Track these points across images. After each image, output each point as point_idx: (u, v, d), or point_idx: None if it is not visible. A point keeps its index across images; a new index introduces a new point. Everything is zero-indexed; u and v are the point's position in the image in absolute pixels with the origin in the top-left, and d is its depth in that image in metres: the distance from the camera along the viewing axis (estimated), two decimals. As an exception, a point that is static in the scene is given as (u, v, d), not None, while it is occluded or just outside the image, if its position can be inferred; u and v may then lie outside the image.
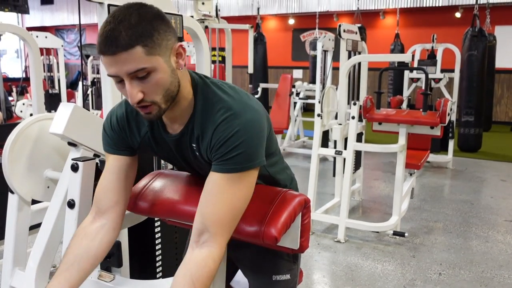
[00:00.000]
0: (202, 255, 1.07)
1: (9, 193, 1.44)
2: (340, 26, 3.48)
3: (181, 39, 2.01)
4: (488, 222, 3.79)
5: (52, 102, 6.50)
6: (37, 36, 6.05)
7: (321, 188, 4.73)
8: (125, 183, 1.23)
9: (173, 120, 1.15)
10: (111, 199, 1.20)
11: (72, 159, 1.28)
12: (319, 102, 3.44)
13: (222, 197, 1.08)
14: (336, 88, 3.94)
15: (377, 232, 3.42)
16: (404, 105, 5.74)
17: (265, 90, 7.56)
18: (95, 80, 8.63)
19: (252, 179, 1.12)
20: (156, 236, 1.87)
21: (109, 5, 1.57)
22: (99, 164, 1.34)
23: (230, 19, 10.32)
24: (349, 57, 3.68)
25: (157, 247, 1.88)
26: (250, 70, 4.76)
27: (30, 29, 13.79)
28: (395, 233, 3.35)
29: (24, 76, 8.81)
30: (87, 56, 8.67)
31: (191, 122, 1.12)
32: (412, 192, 3.85)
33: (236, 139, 1.05)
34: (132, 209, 1.33)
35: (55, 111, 4.89)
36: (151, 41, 0.98)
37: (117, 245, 1.73)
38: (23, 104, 5.23)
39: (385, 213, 3.90)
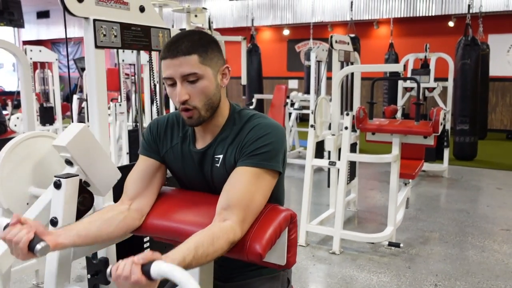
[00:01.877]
0: (225, 225, 1.12)
1: None
2: (332, 37, 3.49)
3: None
4: (484, 231, 3.77)
5: (46, 115, 6.47)
6: (31, 50, 6.05)
7: (317, 199, 4.71)
8: (151, 183, 1.33)
9: (205, 133, 1.31)
10: (137, 189, 1.30)
11: (55, 176, 1.26)
12: (312, 113, 3.43)
13: (247, 187, 1.18)
14: (330, 99, 3.94)
15: (372, 243, 3.39)
16: (399, 115, 5.75)
17: (260, 101, 7.57)
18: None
19: (270, 183, 1.23)
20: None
21: (94, 20, 1.57)
22: (83, 181, 1.32)
23: (225, 31, 10.37)
24: (342, 67, 3.68)
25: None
26: (244, 81, 4.76)
27: (26, 42, 13.83)
28: (390, 244, 3.32)
29: (19, 89, 8.79)
30: (83, 69, 8.68)
31: (223, 133, 1.29)
32: (407, 202, 3.83)
33: (266, 138, 1.22)
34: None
35: (50, 124, 4.84)
36: (205, 54, 1.20)
37: (104, 262, 1.71)
38: (17, 118, 5.21)
39: (381, 223, 3.87)
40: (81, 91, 8.42)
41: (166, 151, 1.36)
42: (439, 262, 3.16)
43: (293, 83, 11.16)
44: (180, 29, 4.55)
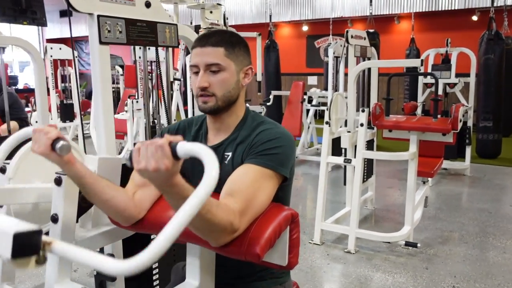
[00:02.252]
0: (230, 205, 1.08)
1: None
2: (347, 31, 3.42)
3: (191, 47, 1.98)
4: (507, 231, 3.65)
5: (66, 112, 6.58)
6: (51, 48, 6.15)
7: (334, 197, 4.65)
8: None
9: (219, 131, 1.33)
10: (142, 179, 1.23)
11: (56, 173, 1.25)
12: (327, 109, 3.37)
13: (251, 182, 1.15)
14: (346, 96, 3.87)
15: (389, 242, 3.32)
16: (419, 111, 5.62)
17: (278, 98, 7.51)
18: (113, 90, 8.74)
19: (274, 186, 1.20)
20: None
21: (98, 16, 1.55)
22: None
23: (243, 27, 10.34)
24: (358, 63, 3.61)
25: (153, 261, 1.83)
26: (259, 77, 4.72)
27: (49, 41, 14.06)
28: (407, 244, 3.25)
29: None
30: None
31: (235, 133, 1.31)
32: (426, 200, 3.73)
33: (277, 142, 1.23)
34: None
35: (70, 121, 4.91)
36: (232, 50, 1.26)
37: (110, 259, 1.71)
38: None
39: (398, 222, 3.78)
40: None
41: None
42: (458, 263, 3.07)
43: (312, 80, 11.06)
44: (196, 26, 4.54)
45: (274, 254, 1.18)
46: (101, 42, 1.57)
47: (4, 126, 3.04)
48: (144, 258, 0.71)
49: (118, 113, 5.46)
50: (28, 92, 12.59)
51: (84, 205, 1.31)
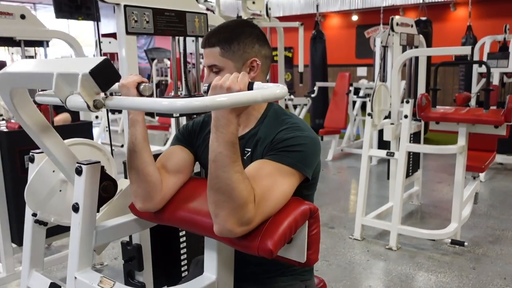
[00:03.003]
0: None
1: (29, 163, 1.48)
2: (392, 19, 3.27)
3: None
4: None
5: (116, 104, 6.78)
6: (101, 42, 6.34)
7: (379, 191, 4.51)
8: (174, 166, 1.30)
9: (239, 124, 1.28)
10: (158, 163, 1.30)
11: (77, 162, 1.26)
12: (369, 100, 3.24)
13: (266, 176, 1.10)
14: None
15: (433, 240, 3.16)
16: (473, 103, 5.31)
17: (323, 89, 7.36)
18: (162, 82, 8.94)
19: (293, 183, 1.13)
20: (181, 240, 1.83)
21: (125, 6, 1.56)
22: (105, 168, 1.32)
23: (291, 18, 10.22)
24: (404, 51, 3.44)
25: (181, 251, 1.84)
26: (301, 69, 4.63)
27: (104, 35, 14.60)
28: (454, 242, 3.08)
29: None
30: (152, 60, 8.99)
31: (256, 127, 1.27)
32: (476, 197, 3.52)
33: (298, 140, 1.17)
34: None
35: (119, 112, 5.06)
36: (228, 47, 1.23)
37: (137, 248, 1.72)
38: (89, 106, 5.50)
39: (446, 219, 3.60)
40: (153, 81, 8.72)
41: (199, 144, 1.37)
42: (509, 264, 2.87)
43: (361, 71, 10.77)
44: (237, 17, 4.52)
45: (292, 250, 1.13)
46: (127, 33, 1.57)
47: (58, 117, 3.16)
48: (208, 100, 0.88)
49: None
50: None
51: (105, 195, 1.31)
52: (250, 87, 1.01)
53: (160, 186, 1.25)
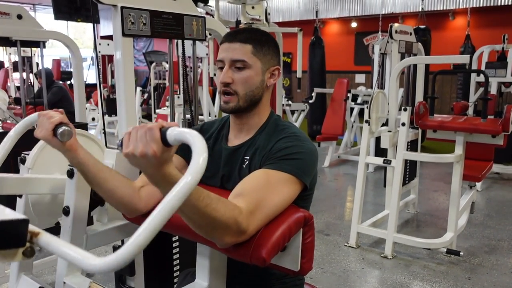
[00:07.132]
0: (235, 203, 1.01)
1: (17, 198, 1.44)
2: (391, 26, 3.26)
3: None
4: (563, 243, 3.37)
5: (112, 106, 6.77)
6: (99, 44, 6.33)
7: (375, 199, 4.49)
8: None
9: (240, 131, 1.29)
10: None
11: (69, 165, 1.24)
12: (367, 107, 3.23)
13: (264, 184, 1.08)
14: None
15: (429, 249, 3.14)
16: (471, 111, 5.30)
17: (321, 96, 7.36)
18: (160, 85, 8.94)
19: (292, 191, 1.12)
20: (174, 245, 1.81)
21: (122, 7, 1.54)
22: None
23: (291, 24, 10.23)
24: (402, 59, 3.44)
25: (174, 256, 1.81)
26: (299, 74, 4.63)
27: (104, 37, 14.59)
28: (449, 251, 3.06)
29: (92, 82, 9.31)
30: (151, 63, 8.98)
31: (256, 135, 1.26)
32: (473, 206, 3.51)
33: (297, 148, 1.16)
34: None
35: (115, 115, 5.06)
36: (260, 48, 1.23)
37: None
38: (86, 108, 5.48)
39: (442, 228, 3.58)
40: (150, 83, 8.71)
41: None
42: (505, 275, 2.86)
43: (360, 78, 10.78)
44: (237, 21, 4.51)
45: (286, 258, 1.11)
46: (124, 34, 1.55)
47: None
48: (124, 253, 0.67)
49: (160, 108, 5.53)
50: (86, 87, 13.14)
51: (96, 199, 1.29)
52: (164, 139, 0.82)
53: (137, 197, 1.21)
